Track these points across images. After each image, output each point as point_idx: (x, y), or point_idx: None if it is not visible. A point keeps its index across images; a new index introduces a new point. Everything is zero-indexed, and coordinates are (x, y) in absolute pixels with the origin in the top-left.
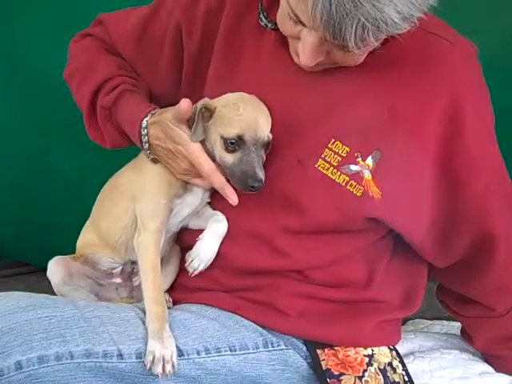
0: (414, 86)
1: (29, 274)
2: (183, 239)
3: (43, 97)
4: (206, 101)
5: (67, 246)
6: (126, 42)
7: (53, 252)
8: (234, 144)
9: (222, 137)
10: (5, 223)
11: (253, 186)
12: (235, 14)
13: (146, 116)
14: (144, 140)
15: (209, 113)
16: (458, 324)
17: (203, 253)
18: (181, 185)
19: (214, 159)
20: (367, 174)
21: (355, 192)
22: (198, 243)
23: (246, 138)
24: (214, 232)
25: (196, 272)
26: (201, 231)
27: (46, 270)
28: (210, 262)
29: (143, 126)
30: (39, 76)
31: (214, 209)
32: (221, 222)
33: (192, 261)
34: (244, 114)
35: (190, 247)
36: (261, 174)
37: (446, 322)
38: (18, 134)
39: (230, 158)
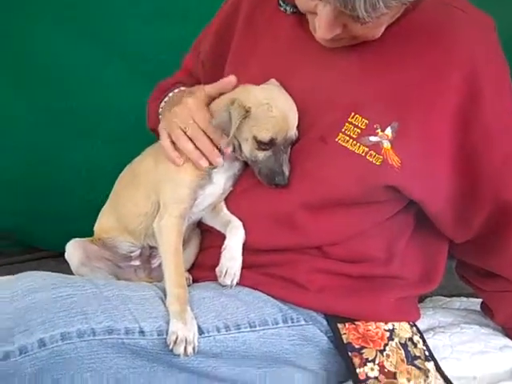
0: (430, 57)
1: (45, 259)
2: (204, 241)
3: (55, 87)
4: (239, 98)
5: (81, 232)
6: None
7: (67, 238)
8: (267, 144)
9: (254, 137)
10: (19, 211)
11: (279, 183)
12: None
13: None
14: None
15: (243, 110)
16: (477, 300)
17: (231, 268)
18: (203, 176)
19: (234, 149)
20: (386, 144)
21: (374, 161)
22: (223, 256)
23: (277, 140)
24: (235, 242)
25: (232, 287)
26: (219, 234)
27: (61, 255)
28: (239, 274)
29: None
30: (51, 67)
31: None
32: (239, 229)
33: (224, 277)
34: (276, 116)
35: (210, 249)
36: (287, 172)
37: (464, 299)
38: (29, 123)
39: (260, 156)
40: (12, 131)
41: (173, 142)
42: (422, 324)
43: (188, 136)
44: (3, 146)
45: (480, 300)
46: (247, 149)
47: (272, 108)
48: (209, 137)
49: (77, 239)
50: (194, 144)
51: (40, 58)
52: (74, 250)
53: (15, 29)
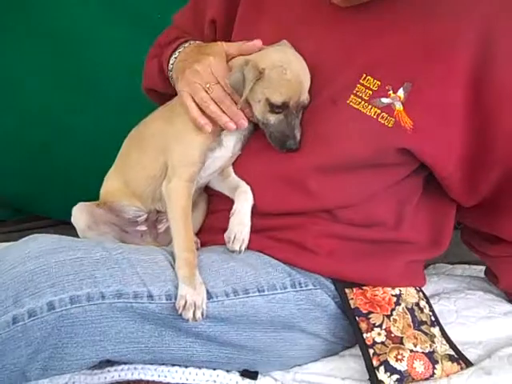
0: (445, 16)
1: (48, 226)
2: (212, 204)
3: (62, 50)
4: (253, 59)
5: (87, 199)
6: None
7: (67, 205)
8: (279, 108)
9: (267, 99)
10: (24, 179)
11: (290, 147)
12: None
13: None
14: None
15: (257, 72)
16: (480, 267)
17: (239, 233)
18: (213, 139)
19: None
20: (398, 106)
21: (386, 123)
22: (231, 221)
23: (290, 104)
24: (243, 207)
25: (240, 253)
26: (227, 198)
27: (67, 223)
28: (247, 239)
29: (179, 49)
30: (60, 35)
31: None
32: (247, 193)
33: (232, 243)
34: (290, 79)
35: (218, 213)
36: (298, 136)
37: (467, 266)
38: (34, 86)
39: (272, 119)
40: (16, 94)
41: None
42: (426, 290)
43: (213, 98)
44: (7, 108)
45: (482, 267)
46: (259, 111)
47: (286, 71)
48: (232, 98)
49: (83, 203)
50: (220, 107)
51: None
52: (80, 214)
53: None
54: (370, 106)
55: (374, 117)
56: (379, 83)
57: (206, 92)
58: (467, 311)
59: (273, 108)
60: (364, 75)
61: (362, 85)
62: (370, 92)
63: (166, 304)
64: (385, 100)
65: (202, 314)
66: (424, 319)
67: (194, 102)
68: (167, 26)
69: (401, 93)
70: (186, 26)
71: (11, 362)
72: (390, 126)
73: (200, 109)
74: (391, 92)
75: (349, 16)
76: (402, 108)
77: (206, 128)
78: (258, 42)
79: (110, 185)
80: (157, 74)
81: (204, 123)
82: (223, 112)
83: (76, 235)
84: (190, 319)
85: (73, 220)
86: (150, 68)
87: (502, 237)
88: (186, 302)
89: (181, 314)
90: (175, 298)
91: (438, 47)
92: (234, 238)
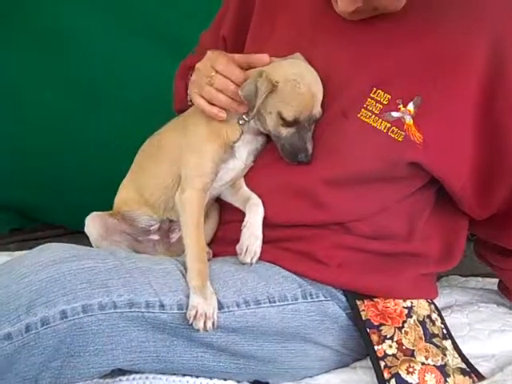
0: (452, 26)
1: (63, 236)
2: (224, 215)
3: (74, 59)
4: (267, 71)
5: (100, 209)
6: None
7: (84, 214)
8: (291, 121)
9: (279, 113)
10: (37, 188)
11: (301, 160)
12: None
13: None
14: None
15: (270, 84)
16: (494, 280)
17: (251, 245)
18: (226, 149)
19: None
20: (408, 119)
21: (396, 138)
22: (243, 234)
23: (302, 118)
24: (255, 219)
25: (252, 265)
26: (239, 209)
27: (77, 232)
28: (259, 252)
29: None
30: (68, 41)
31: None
32: (259, 206)
33: (244, 256)
34: (303, 93)
35: (230, 223)
36: (310, 150)
37: (480, 279)
38: (46, 95)
39: (283, 132)
40: (28, 103)
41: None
42: (438, 302)
43: (217, 89)
44: (23, 118)
45: (495, 280)
46: (271, 123)
47: (300, 85)
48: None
49: (96, 212)
50: (226, 94)
51: (55, 31)
52: (93, 223)
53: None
54: (380, 120)
55: (385, 131)
56: (389, 97)
57: (209, 85)
58: (480, 324)
59: (284, 121)
60: (374, 89)
61: (373, 98)
62: (381, 106)
63: (178, 314)
64: (395, 114)
65: (213, 325)
66: (436, 332)
67: (203, 98)
68: (173, 36)
69: (411, 107)
70: (207, 45)
71: (24, 369)
72: (400, 140)
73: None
74: (401, 106)
75: (358, 29)
76: (411, 122)
77: (220, 115)
78: (265, 57)
79: (124, 194)
80: (186, 95)
81: (216, 111)
82: (231, 98)
83: (89, 244)
84: (201, 329)
85: (86, 229)
86: (179, 90)
87: None
88: (196, 312)
89: (192, 324)
90: (187, 308)
91: (447, 61)
92: (246, 250)
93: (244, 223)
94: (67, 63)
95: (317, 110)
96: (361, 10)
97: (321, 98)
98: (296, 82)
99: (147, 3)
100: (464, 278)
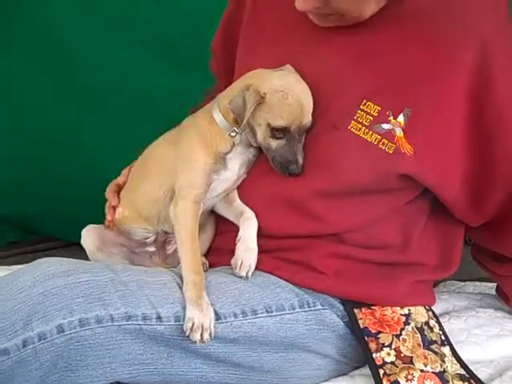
0: (440, 38)
1: (59, 248)
2: (220, 226)
3: (73, 66)
4: (254, 84)
5: (96, 220)
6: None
7: (82, 226)
8: (281, 132)
9: (268, 124)
10: (33, 199)
11: (293, 172)
12: None
13: None
14: None
15: (258, 96)
16: (491, 284)
17: (246, 259)
18: (218, 160)
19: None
20: (399, 132)
21: (387, 150)
22: (237, 248)
23: (291, 128)
24: (249, 233)
25: (247, 279)
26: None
27: (76, 244)
28: (254, 265)
29: None
30: (70, 51)
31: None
32: (252, 220)
33: (239, 269)
34: (292, 104)
35: (225, 234)
36: (301, 161)
37: (478, 283)
38: (46, 108)
39: (273, 144)
40: (27, 115)
41: None
42: (436, 308)
43: None
44: (19, 129)
45: (493, 284)
46: (261, 135)
47: (287, 96)
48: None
49: (92, 225)
50: None
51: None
52: (89, 236)
53: (33, 7)
54: (370, 132)
55: (375, 143)
56: (379, 109)
57: None
58: (478, 329)
59: (274, 133)
60: (364, 101)
61: (363, 110)
62: (371, 118)
63: (175, 326)
64: (385, 126)
65: (210, 336)
66: (434, 338)
67: None
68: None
69: (401, 119)
70: (217, 51)
71: None
72: (390, 152)
73: None
74: (391, 118)
75: (345, 41)
76: (402, 134)
77: None
78: None
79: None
80: None
81: None
82: None
83: (87, 257)
84: (198, 341)
85: (82, 242)
86: None
87: (509, 256)
88: (193, 324)
89: (188, 336)
90: (184, 320)
91: (437, 72)
92: (241, 264)
93: (238, 237)
94: (68, 74)
95: (307, 120)
96: (325, 13)
97: (310, 109)
98: (284, 93)
99: (147, 11)
100: (462, 283)
